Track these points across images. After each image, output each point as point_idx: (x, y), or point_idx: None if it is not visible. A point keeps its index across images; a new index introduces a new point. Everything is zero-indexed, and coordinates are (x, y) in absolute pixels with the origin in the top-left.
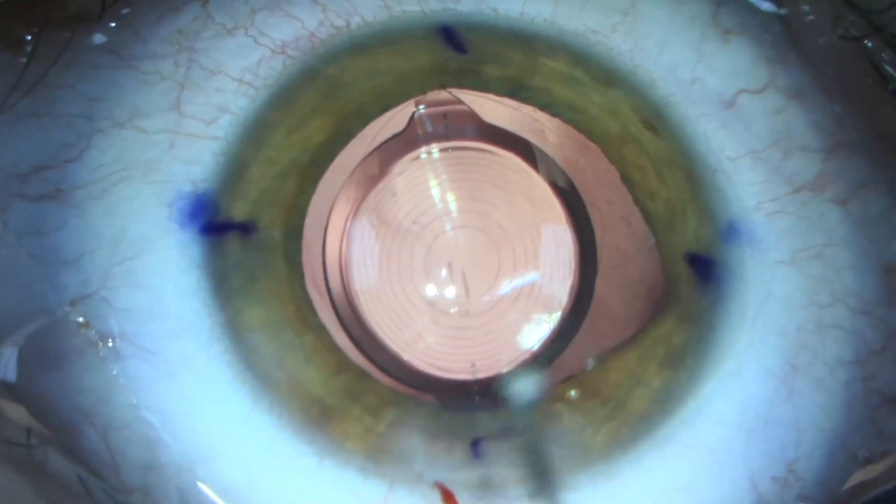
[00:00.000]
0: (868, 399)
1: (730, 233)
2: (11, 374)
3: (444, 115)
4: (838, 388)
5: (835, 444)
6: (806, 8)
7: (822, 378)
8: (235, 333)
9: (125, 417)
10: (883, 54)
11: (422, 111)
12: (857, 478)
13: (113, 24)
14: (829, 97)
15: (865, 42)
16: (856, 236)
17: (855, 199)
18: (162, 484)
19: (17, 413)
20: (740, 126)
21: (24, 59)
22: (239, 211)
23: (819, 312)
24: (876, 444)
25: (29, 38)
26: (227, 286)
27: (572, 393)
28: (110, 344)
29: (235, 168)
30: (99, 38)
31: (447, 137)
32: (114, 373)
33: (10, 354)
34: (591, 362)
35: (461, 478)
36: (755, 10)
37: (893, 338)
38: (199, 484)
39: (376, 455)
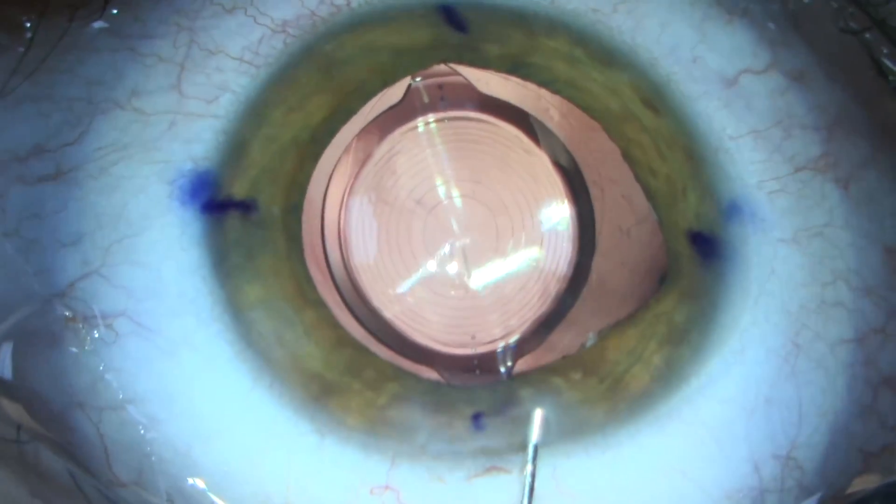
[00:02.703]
0: (869, 380)
1: (732, 210)
2: (5, 370)
3: (440, 87)
4: (839, 367)
5: (836, 428)
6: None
7: (824, 357)
8: (235, 311)
9: (120, 399)
10: (882, 48)
11: (418, 83)
12: (857, 469)
13: (115, 11)
14: (831, 82)
15: (865, 35)
16: (857, 216)
17: (856, 180)
18: (152, 476)
19: (8, 408)
20: (742, 105)
21: (23, 45)
22: (239, 189)
23: (821, 291)
24: (878, 435)
25: (29, 24)
26: (227, 263)
27: (571, 369)
28: (107, 323)
29: (236, 146)
30: (99, 23)
31: (444, 108)
32: (110, 352)
33: (4, 350)
34: (590, 338)
35: (463, 450)
36: None
37: (894, 318)
38: (190, 478)
39: (377, 430)
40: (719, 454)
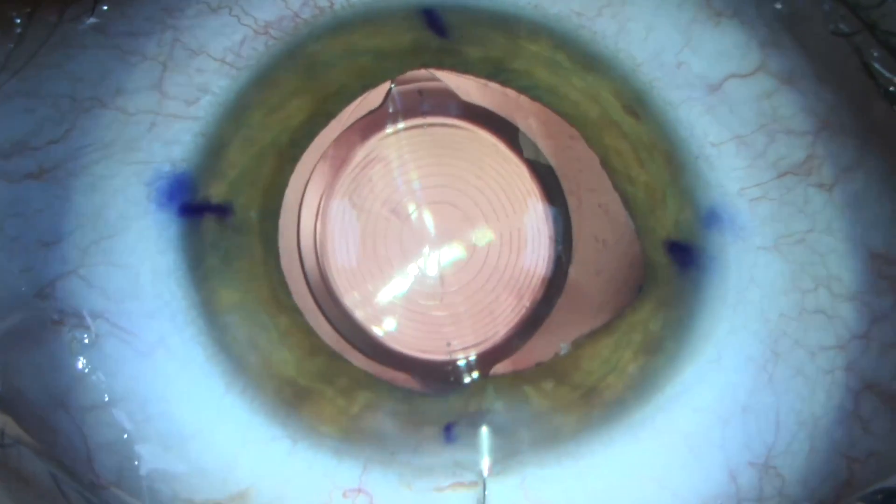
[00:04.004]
0: (851, 386)
1: (711, 219)
2: None
3: (420, 92)
4: (819, 375)
5: (816, 435)
6: (798, 1)
7: (803, 364)
8: (210, 315)
9: (99, 399)
10: (873, 51)
11: (398, 88)
12: (841, 477)
13: (105, 7)
14: (821, 84)
15: (856, 38)
16: (841, 221)
17: (841, 184)
18: (133, 477)
19: None
20: (725, 110)
21: (13, 41)
22: (217, 192)
23: (802, 298)
24: (863, 441)
25: (19, 20)
26: (203, 267)
27: (544, 377)
28: (86, 323)
29: (215, 148)
30: (88, 18)
31: (423, 114)
32: (88, 352)
33: None
34: (564, 347)
35: (434, 461)
36: None
37: (877, 324)
38: (167, 480)
39: (350, 436)
40: (694, 462)
